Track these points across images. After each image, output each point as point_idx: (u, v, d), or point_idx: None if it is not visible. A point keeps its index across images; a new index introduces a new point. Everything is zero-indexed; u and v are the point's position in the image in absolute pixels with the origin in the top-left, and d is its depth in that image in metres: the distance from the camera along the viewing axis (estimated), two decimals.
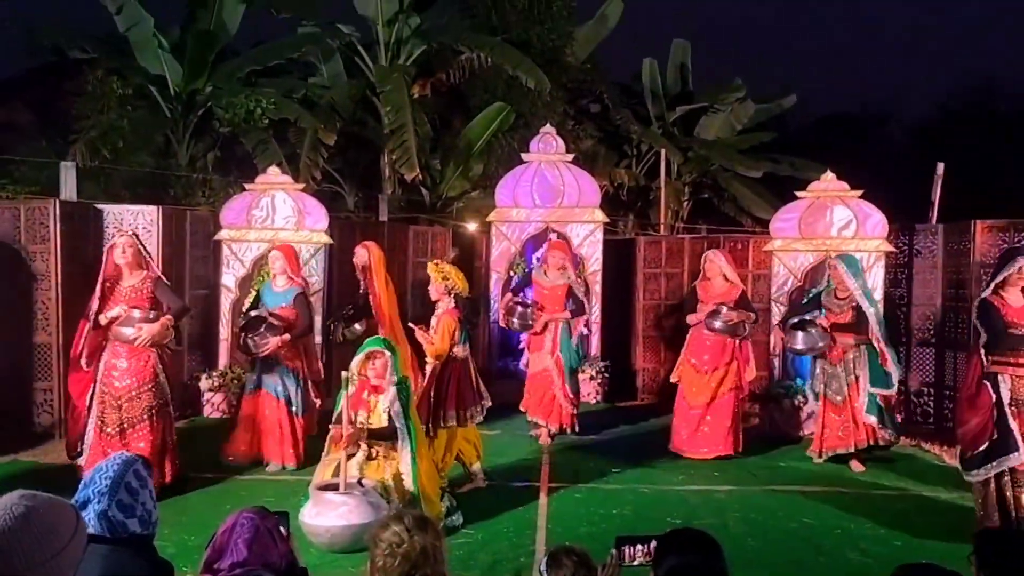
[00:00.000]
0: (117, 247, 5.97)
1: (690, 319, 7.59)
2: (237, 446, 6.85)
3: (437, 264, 6.50)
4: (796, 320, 7.33)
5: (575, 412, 7.89)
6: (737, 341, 7.44)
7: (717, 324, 7.32)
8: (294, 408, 6.86)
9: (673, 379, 7.73)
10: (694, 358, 7.53)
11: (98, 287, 5.98)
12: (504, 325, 8.09)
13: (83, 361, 5.97)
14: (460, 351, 6.28)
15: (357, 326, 7.87)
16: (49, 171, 11.06)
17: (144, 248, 6.17)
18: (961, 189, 14.44)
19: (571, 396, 7.80)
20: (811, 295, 7.69)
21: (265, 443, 6.84)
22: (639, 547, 2.49)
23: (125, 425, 5.92)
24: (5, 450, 7.11)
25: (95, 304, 5.94)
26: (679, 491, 6.52)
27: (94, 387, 5.98)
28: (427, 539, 2.28)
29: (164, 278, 6.24)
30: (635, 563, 2.50)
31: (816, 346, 7.18)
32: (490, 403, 6.54)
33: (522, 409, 7.90)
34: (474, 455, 6.44)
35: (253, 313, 7.08)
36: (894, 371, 6.93)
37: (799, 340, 7.26)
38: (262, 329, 6.78)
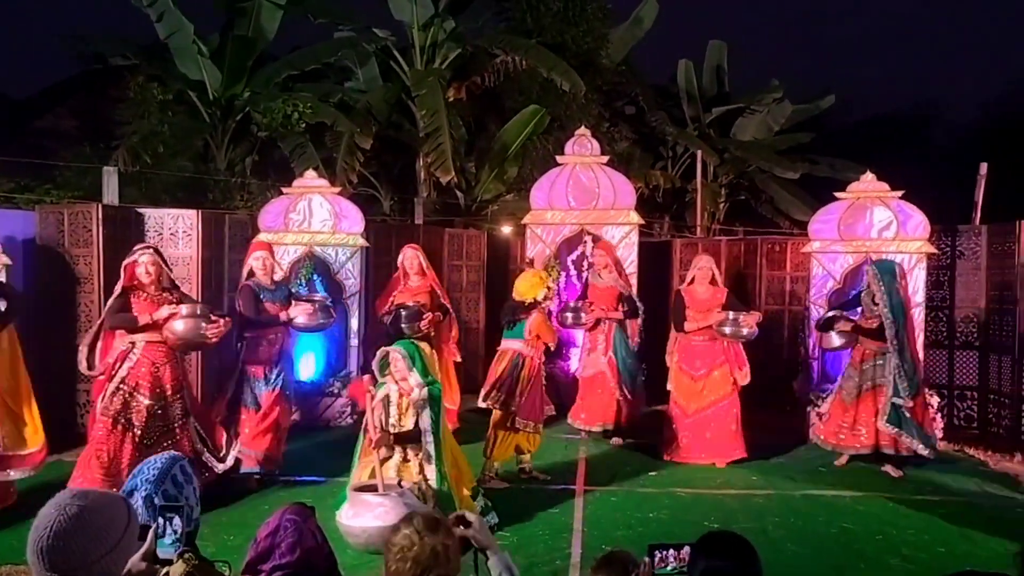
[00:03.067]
0: (139, 266, 5.91)
1: (688, 327, 7.33)
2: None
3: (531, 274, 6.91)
4: (825, 320, 7.46)
5: (637, 413, 8.19)
6: (725, 343, 7.33)
7: (744, 331, 7.17)
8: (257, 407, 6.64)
9: (671, 387, 7.57)
10: (686, 364, 7.42)
11: (112, 300, 5.94)
12: (559, 323, 8.16)
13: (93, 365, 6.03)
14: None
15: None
16: (92, 176, 11.27)
17: (165, 263, 6.08)
18: (1006, 191, 14.13)
19: (629, 397, 8.01)
20: (852, 295, 7.67)
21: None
22: (671, 552, 2.47)
23: (158, 434, 5.90)
24: (50, 451, 7.23)
25: (115, 306, 5.91)
26: (717, 495, 6.45)
27: (126, 398, 5.88)
28: (437, 539, 2.27)
29: (184, 291, 6.19)
30: (668, 567, 2.48)
31: (847, 343, 7.33)
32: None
33: (585, 422, 8.08)
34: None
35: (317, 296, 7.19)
36: (901, 382, 6.79)
37: (833, 339, 7.41)
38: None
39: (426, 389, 5.32)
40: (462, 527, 2.46)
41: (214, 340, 5.95)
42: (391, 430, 5.34)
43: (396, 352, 5.39)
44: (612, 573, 2.54)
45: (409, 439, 5.34)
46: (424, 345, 5.77)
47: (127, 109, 13.27)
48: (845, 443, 7.14)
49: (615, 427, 8.01)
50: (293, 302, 6.79)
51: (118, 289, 5.96)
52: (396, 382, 5.39)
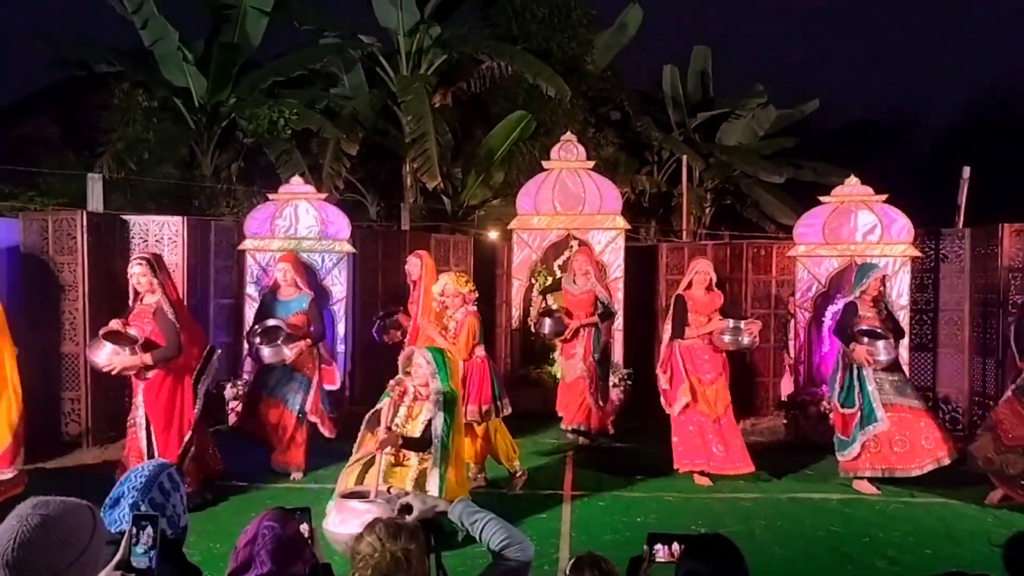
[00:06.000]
0: (133, 276, 6.02)
1: (689, 334, 6.94)
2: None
3: (459, 274, 6.67)
4: (850, 333, 6.66)
5: (612, 416, 8.22)
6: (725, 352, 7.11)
7: (746, 340, 6.82)
8: (301, 415, 6.94)
9: (685, 399, 6.92)
10: (696, 371, 6.97)
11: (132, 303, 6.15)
12: (538, 336, 8.06)
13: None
14: (480, 351, 6.59)
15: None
16: (76, 183, 11.24)
17: (158, 270, 6.04)
18: (988, 194, 14.26)
19: (601, 403, 8.03)
20: (843, 307, 7.07)
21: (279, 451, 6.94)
22: (661, 547, 2.50)
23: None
24: (33, 459, 7.18)
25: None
26: (704, 499, 6.47)
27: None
28: (399, 545, 2.28)
29: (167, 308, 6.01)
30: (658, 560, 2.50)
31: (892, 355, 6.66)
32: (509, 409, 6.69)
33: (564, 422, 8.02)
34: (513, 454, 6.63)
35: (271, 322, 7.06)
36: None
37: (880, 350, 6.58)
38: (279, 341, 6.86)
39: (441, 396, 5.17)
40: (407, 516, 2.56)
41: (114, 370, 5.96)
42: (398, 428, 5.26)
43: (422, 355, 5.29)
44: (590, 573, 2.55)
45: (414, 444, 5.21)
46: (450, 352, 5.69)
47: (112, 116, 13.22)
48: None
49: (587, 429, 7.97)
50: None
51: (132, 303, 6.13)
52: (414, 385, 5.29)
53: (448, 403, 5.20)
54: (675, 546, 2.49)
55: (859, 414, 6.60)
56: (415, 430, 5.23)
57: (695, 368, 6.99)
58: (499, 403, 6.58)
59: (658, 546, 2.49)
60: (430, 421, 5.17)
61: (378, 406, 5.27)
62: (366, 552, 2.26)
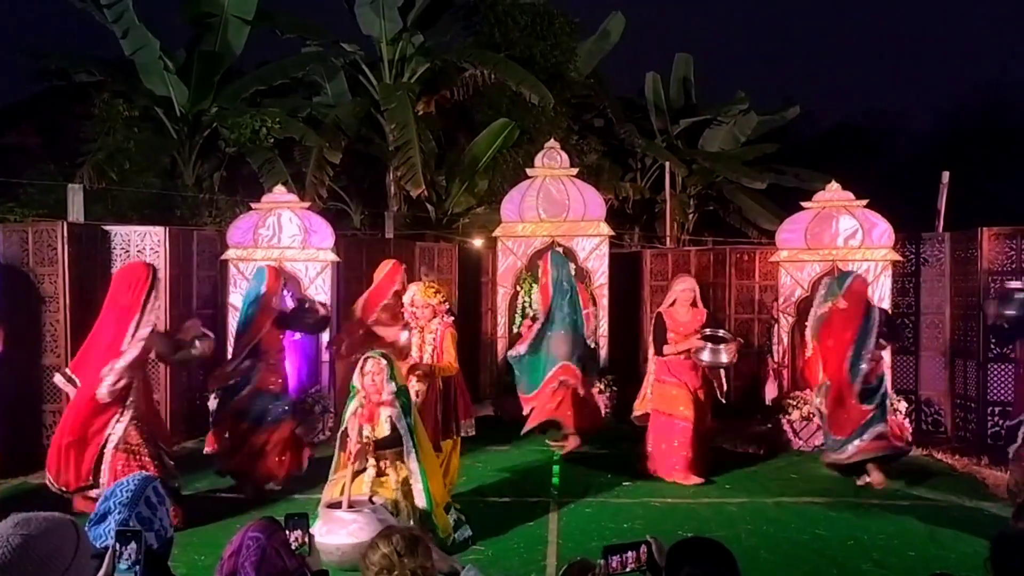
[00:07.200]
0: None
1: (667, 351, 7.09)
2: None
3: (428, 285, 6.50)
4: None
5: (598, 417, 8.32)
6: None
7: (724, 358, 6.94)
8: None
9: (639, 412, 7.32)
10: (675, 377, 7.10)
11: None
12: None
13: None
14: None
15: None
16: (57, 193, 11.14)
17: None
18: (968, 199, 14.43)
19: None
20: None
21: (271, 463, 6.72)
22: (629, 554, 2.46)
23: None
24: (15, 472, 7.11)
25: None
26: (690, 504, 6.48)
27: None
28: (416, 562, 2.23)
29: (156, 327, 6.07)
30: (627, 569, 2.48)
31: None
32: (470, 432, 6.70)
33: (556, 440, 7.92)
34: (454, 478, 6.53)
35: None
36: None
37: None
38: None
39: (395, 396, 5.29)
40: None
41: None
42: (368, 439, 5.28)
43: (380, 361, 5.31)
44: None
45: (388, 443, 5.27)
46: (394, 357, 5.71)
47: (92, 126, 13.13)
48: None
49: (574, 428, 7.84)
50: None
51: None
52: (367, 392, 5.31)
53: (405, 403, 5.33)
54: (643, 549, 2.46)
55: (874, 412, 6.75)
56: (383, 431, 5.32)
57: (676, 374, 7.11)
58: (470, 419, 6.60)
59: (628, 554, 2.47)
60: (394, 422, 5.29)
61: (344, 425, 5.37)
62: (383, 565, 2.21)
